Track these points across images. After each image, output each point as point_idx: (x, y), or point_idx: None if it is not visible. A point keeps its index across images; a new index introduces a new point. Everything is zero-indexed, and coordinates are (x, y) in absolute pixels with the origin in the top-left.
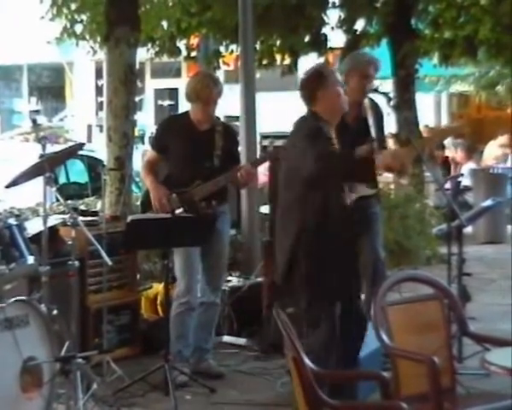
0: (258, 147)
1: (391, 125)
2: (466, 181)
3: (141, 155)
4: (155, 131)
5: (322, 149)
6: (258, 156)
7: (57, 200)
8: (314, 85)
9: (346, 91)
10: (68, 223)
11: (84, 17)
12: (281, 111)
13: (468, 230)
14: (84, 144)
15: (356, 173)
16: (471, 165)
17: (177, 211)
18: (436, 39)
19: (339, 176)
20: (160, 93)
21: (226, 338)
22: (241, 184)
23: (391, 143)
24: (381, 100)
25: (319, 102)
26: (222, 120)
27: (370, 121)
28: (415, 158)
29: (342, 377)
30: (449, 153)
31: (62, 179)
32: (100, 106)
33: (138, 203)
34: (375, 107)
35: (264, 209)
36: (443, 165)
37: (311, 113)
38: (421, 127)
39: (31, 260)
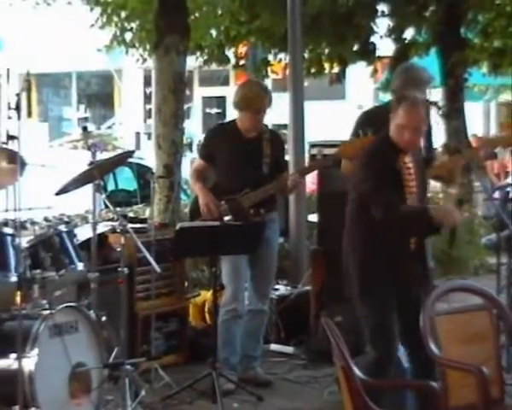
0: (307, 155)
1: (440, 134)
2: None
3: (189, 162)
4: (203, 140)
5: (391, 199)
6: (306, 165)
7: (106, 207)
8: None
9: None
10: (117, 230)
11: (133, 25)
12: (329, 120)
13: None
14: (134, 152)
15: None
16: None
17: (226, 219)
18: (485, 48)
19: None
20: (207, 101)
21: (273, 346)
22: (286, 192)
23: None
24: (430, 109)
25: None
26: (269, 127)
27: None
28: (464, 167)
29: (391, 386)
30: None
31: (111, 187)
32: (148, 113)
33: (187, 211)
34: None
35: (312, 218)
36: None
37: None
38: (470, 136)
39: (80, 266)
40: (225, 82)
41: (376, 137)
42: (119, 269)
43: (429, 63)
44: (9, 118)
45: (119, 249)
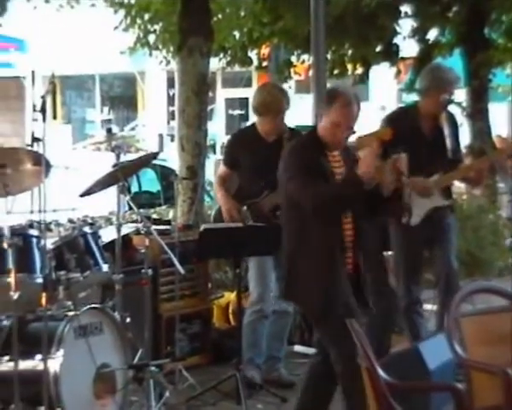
0: None
1: (464, 135)
2: None
3: (213, 164)
4: (225, 147)
5: (316, 187)
6: None
7: (130, 208)
8: (324, 104)
9: (422, 104)
10: (142, 231)
11: (157, 27)
12: None
13: None
14: (158, 153)
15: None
16: None
17: (248, 223)
18: (509, 49)
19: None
20: (230, 103)
21: (297, 348)
22: None
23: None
24: (455, 110)
25: (322, 121)
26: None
27: (446, 132)
28: (488, 169)
29: (415, 388)
30: None
31: (134, 188)
32: (171, 115)
33: (210, 212)
34: (451, 118)
35: None
36: None
37: (314, 128)
38: (494, 137)
39: (105, 268)
40: (248, 83)
41: (302, 136)
42: (143, 270)
43: (453, 64)
44: (35, 120)
45: (143, 251)
